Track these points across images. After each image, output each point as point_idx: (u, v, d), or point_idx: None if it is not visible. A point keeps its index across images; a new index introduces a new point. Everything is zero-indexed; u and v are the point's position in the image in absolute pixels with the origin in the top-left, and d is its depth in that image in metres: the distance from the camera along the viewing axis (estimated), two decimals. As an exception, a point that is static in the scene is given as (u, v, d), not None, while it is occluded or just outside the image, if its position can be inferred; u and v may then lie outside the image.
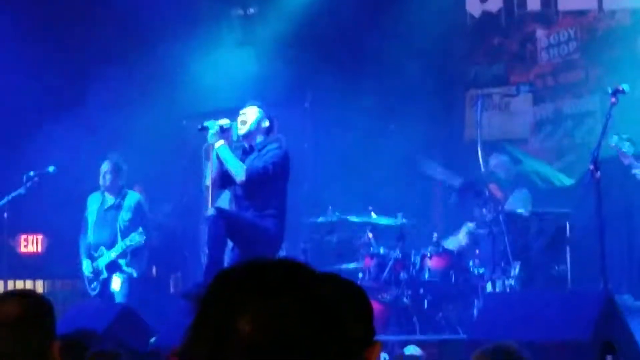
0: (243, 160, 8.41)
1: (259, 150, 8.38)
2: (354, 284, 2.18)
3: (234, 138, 8.52)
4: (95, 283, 10.27)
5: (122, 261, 10.16)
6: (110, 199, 10.46)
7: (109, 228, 10.33)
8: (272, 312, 1.61)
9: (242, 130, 8.43)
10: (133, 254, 10.20)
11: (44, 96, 11.84)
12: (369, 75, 11.51)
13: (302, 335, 1.61)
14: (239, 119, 8.47)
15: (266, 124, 8.45)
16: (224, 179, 8.45)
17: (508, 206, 9.58)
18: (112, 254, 10.16)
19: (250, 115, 8.47)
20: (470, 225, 9.79)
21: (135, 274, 10.20)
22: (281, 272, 1.67)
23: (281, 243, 8.39)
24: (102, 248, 10.24)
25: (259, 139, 8.46)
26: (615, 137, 8.68)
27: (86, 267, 10.34)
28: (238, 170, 8.26)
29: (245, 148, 8.53)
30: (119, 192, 10.45)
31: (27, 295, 3.37)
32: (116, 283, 10.14)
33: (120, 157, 10.62)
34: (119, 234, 10.25)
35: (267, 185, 8.26)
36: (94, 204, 10.50)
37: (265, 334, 1.59)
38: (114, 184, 10.43)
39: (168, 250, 12.11)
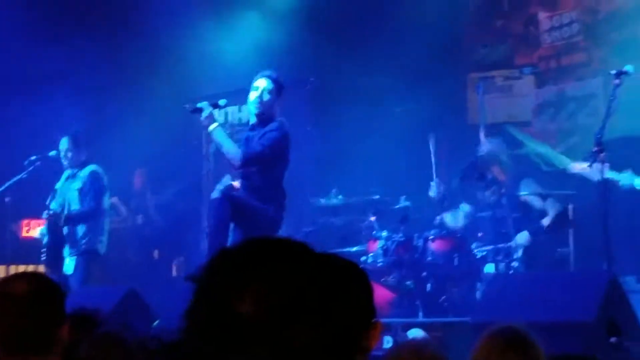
0: (249, 138, 8.36)
1: (259, 132, 8.31)
2: (353, 265, 2.16)
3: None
4: (43, 250, 10.18)
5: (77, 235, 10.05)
6: (69, 172, 10.31)
7: (61, 199, 10.23)
8: (269, 290, 1.62)
9: (253, 110, 8.38)
10: (83, 227, 10.04)
11: (44, 78, 11.83)
12: (372, 58, 11.48)
13: (299, 312, 1.62)
14: (253, 95, 8.36)
15: (270, 95, 8.32)
16: None
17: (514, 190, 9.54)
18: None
19: (257, 93, 8.35)
20: (466, 207, 9.81)
21: (86, 248, 10.01)
22: (279, 251, 1.69)
23: (280, 226, 8.38)
24: None
25: (265, 116, 8.36)
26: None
27: (39, 231, 10.31)
28: (233, 155, 8.19)
29: (252, 126, 8.47)
30: (80, 166, 10.25)
31: (36, 276, 3.43)
32: (69, 264, 10.03)
33: (79, 132, 10.44)
34: (66, 204, 10.13)
35: (266, 169, 8.23)
36: (62, 180, 10.40)
37: (263, 312, 1.61)
38: (75, 159, 10.23)
39: (171, 233, 12.11)
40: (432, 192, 9.73)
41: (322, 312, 1.63)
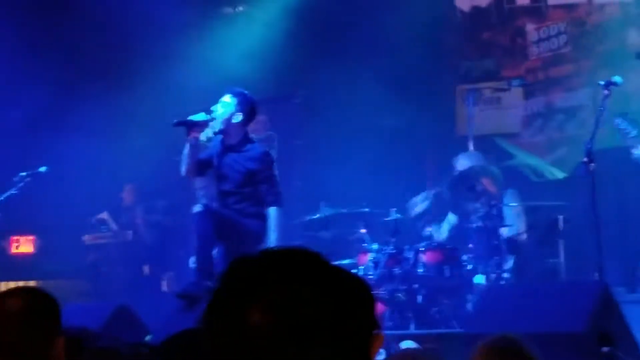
0: (224, 156, 8.34)
1: (240, 151, 8.30)
2: (356, 276, 2.17)
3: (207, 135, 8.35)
4: None
5: None
6: None
7: None
8: (283, 301, 1.62)
9: (215, 126, 8.32)
10: None
11: (35, 97, 11.79)
12: (360, 72, 11.49)
13: (312, 325, 1.62)
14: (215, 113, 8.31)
15: (238, 118, 8.29)
16: (200, 167, 8.40)
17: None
18: None
19: (220, 110, 8.29)
20: (453, 218, 9.82)
21: None
22: (292, 261, 1.68)
23: (263, 238, 8.35)
24: None
25: (237, 137, 8.33)
26: (619, 119, 8.64)
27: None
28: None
29: (225, 144, 8.44)
30: None
31: (31, 290, 3.40)
32: None
33: None
34: None
35: (250, 184, 8.23)
36: None
37: (277, 322, 1.60)
38: None
39: (161, 248, 12.08)
40: (419, 208, 9.81)
41: (335, 326, 1.63)
